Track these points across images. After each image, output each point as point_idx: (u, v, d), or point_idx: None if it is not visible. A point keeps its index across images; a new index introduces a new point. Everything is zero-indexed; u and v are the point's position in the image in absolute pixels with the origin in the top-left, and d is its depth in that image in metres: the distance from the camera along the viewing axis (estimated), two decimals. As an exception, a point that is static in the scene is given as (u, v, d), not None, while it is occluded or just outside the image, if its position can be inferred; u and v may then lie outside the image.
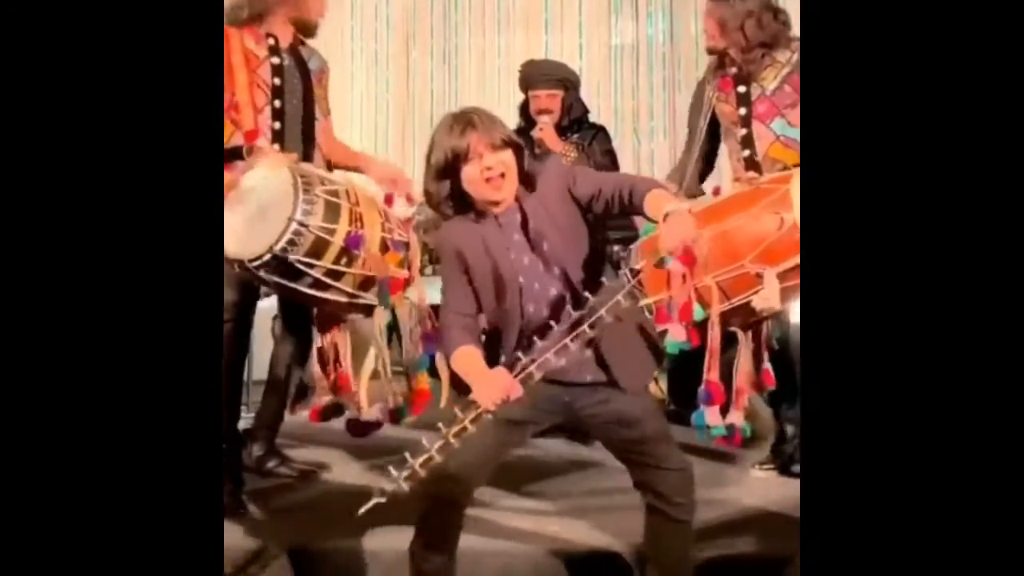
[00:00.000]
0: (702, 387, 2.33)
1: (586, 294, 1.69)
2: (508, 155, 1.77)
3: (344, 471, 2.90)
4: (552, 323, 1.71)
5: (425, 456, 1.61)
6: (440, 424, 1.66)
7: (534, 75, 3.49)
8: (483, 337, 1.88)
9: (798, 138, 2.66)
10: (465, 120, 1.78)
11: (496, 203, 1.79)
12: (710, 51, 2.81)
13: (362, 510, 1.61)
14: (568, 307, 1.71)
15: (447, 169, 1.75)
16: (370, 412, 2.43)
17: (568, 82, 3.46)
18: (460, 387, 4.35)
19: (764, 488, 2.69)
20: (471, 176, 1.76)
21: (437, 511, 1.76)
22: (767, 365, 2.50)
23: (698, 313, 2.33)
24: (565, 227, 1.79)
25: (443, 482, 1.70)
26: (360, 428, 2.47)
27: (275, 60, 2.64)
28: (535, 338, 1.72)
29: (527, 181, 1.80)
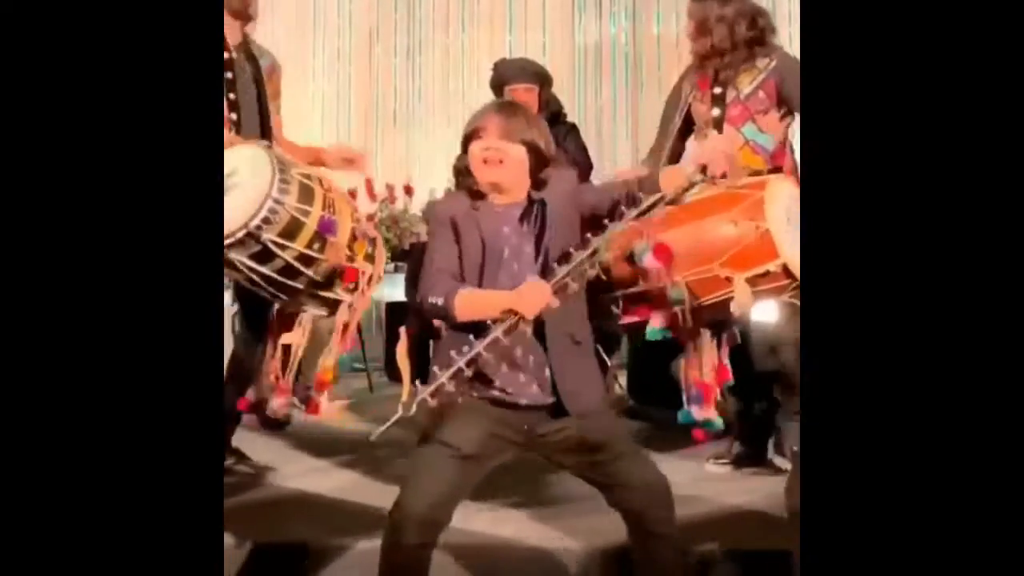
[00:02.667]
0: (692, 387, 2.35)
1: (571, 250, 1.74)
2: (518, 150, 1.81)
3: (298, 468, 2.87)
4: None
5: (454, 369, 1.64)
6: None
7: (511, 71, 3.51)
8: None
9: (766, 145, 2.71)
10: (496, 104, 1.92)
11: (495, 190, 1.83)
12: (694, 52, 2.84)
13: (380, 430, 1.66)
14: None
15: (464, 142, 1.85)
16: (281, 409, 2.45)
17: (544, 78, 3.48)
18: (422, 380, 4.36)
19: (719, 483, 2.71)
20: (472, 153, 1.82)
21: (405, 560, 1.69)
22: (725, 361, 2.52)
23: (676, 294, 2.36)
24: (563, 231, 1.83)
25: (410, 528, 1.65)
26: (270, 423, 2.51)
27: (225, 55, 2.67)
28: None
29: (537, 183, 1.85)
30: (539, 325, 1.75)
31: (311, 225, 2.22)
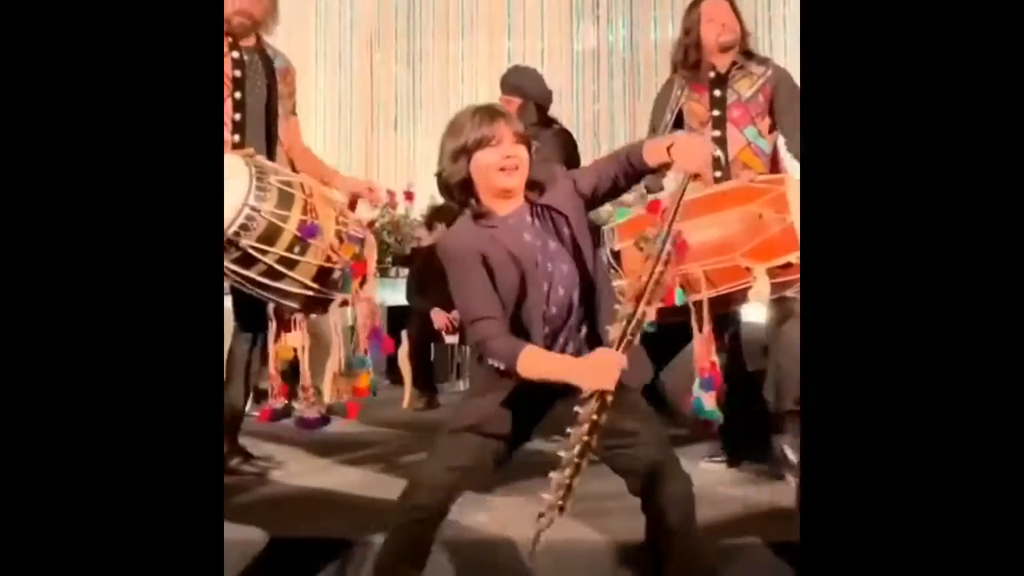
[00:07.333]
0: (705, 375, 2.38)
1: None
2: (523, 151, 1.77)
3: (302, 467, 2.91)
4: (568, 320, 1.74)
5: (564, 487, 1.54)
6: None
7: (503, 79, 3.63)
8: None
9: (765, 148, 2.77)
10: (493, 110, 1.81)
11: (505, 197, 1.78)
12: (725, 46, 2.90)
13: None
14: (577, 305, 1.74)
15: (463, 153, 1.75)
16: (311, 410, 2.52)
17: (522, 92, 3.52)
18: (422, 386, 4.40)
19: (715, 480, 2.74)
20: (486, 162, 1.74)
21: (411, 526, 1.70)
22: (714, 358, 2.55)
23: (679, 297, 2.42)
24: (577, 228, 1.79)
25: (417, 495, 1.68)
26: (306, 424, 2.61)
27: (235, 54, 2.67)
28: (557, 336, 1.74)
29: (533, 185, 1.81)
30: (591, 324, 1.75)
31: (290, 229, 2.28)
